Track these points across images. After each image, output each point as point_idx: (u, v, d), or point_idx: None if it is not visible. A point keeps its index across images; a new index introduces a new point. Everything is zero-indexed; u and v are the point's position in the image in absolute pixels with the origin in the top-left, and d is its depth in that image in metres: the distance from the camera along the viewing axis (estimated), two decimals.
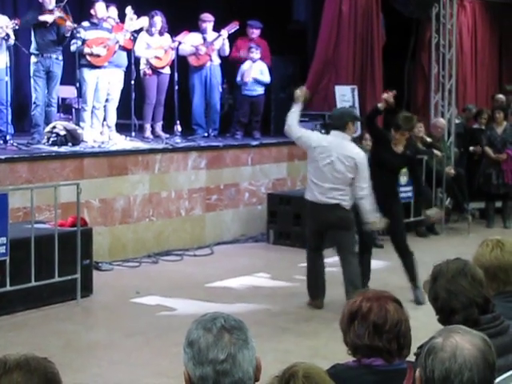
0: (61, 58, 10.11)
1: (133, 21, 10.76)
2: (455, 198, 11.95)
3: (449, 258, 3.48)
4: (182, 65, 11.44)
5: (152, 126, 11.41)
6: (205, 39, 11.58)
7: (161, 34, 11.23)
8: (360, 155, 7.48)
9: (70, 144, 9.59)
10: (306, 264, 7.91)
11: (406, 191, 10.14)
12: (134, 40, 10.92)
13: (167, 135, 11.21)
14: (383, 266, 9.16)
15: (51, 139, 9.62)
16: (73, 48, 10.30)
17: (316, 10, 12.89)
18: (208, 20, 11.66)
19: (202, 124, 11.74)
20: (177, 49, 11.29)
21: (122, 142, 10.48)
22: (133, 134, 10.90)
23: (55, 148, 9.47)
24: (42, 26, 9.92)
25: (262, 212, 11.06)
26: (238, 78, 11.85)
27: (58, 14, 9.88)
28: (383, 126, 9.44)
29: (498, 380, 2.78)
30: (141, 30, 11.06)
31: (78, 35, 10.18)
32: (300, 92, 7.71)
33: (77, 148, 9.60)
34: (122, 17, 10.83)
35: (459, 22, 13.84)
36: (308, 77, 12.33)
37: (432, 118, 12.96)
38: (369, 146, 9.47)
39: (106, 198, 9.47)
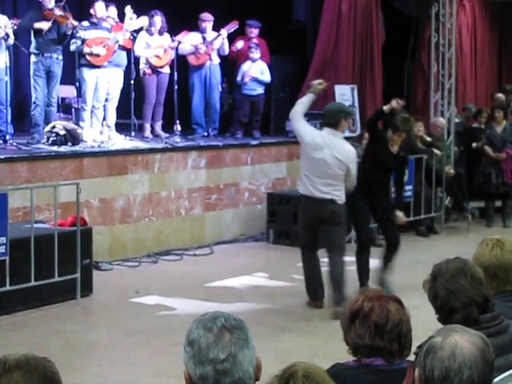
0: (61, 57, 10.10)
1: (132, 20, 10.76)
2: (455, 197, 11.95)
3: (448, 257, 3.48)
4: (181, 64, 11.44)
5: (152, 126, 11.40)
6: (204, 39, 11.58)
7: (160, 33, 11.23)
8: (351, 152, 7.60)
9: (69, 144, 9.59)
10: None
11: (405, 190, 10.12)
12: (134, 39, 10.91)
13: (167, 135, 11.20)
14: None
15: (51, 139, 9.62)
16: (72, 48, 10.29)
17: (316, 10, 12.89)
18: (207, 19, 11.66)
19: (202, 123, 11.74)
20: (176, 48, 11.29)
21: (122, 142, 10.48)
22: (132, 133, 10.89)
23: (55, 148, 9.46)
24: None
25: (261, 211, 11.05)
26: (239, 78, 11.85)
27: (58, 12, 9.87)
28: (382, 127, 9.42)
29: (497, 379, 2.78)
30: (140, 29, 11.06)
31: (77, 35, 10.18)
32: (319, 85, 7.81)
33: (76, 148, 9.60)
34: (121, 16, 10.83)
35: (459, 21, 13.83)
36: (308, 76, 12.31)
37: (432, 117, 12.94)
38: None
39: (106, 198, 9.46)
